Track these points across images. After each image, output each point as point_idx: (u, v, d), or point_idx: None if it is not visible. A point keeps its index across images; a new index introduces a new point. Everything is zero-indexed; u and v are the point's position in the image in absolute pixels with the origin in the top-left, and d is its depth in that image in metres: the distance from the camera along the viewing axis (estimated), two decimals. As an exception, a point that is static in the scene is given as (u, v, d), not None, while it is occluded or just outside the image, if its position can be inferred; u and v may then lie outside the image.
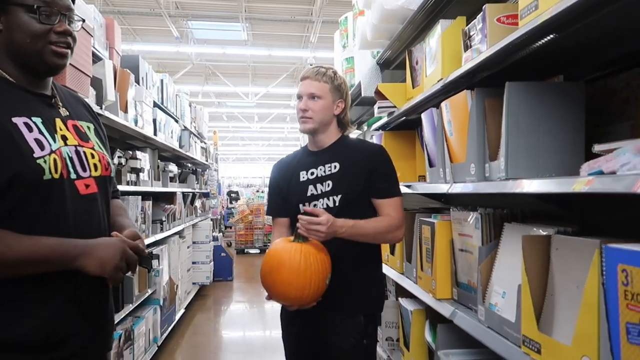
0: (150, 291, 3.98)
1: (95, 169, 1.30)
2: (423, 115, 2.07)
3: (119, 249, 1.20)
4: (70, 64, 2.19)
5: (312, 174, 1.93)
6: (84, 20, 1.35)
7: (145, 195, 3.83)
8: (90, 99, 2.59)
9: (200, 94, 14.59)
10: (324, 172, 1.91)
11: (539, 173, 1.35)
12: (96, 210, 1.29)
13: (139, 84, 3.89)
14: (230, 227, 11.73)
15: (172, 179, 5.11)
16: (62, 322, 1.19)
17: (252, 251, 11.53)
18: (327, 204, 1.87)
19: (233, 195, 14.43)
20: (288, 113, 18.01)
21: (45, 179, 1.15)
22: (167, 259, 4.63)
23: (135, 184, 3.60)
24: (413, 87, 2.27)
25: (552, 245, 1.22)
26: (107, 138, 1.49)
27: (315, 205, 1.89)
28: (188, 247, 6.14)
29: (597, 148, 1.13)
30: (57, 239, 1.16)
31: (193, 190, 6.40)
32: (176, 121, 5.38)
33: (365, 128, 4.00)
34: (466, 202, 2.25)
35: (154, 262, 4.08)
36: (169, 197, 4.97)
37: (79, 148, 1.27)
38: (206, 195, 8.00)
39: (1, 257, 1.10)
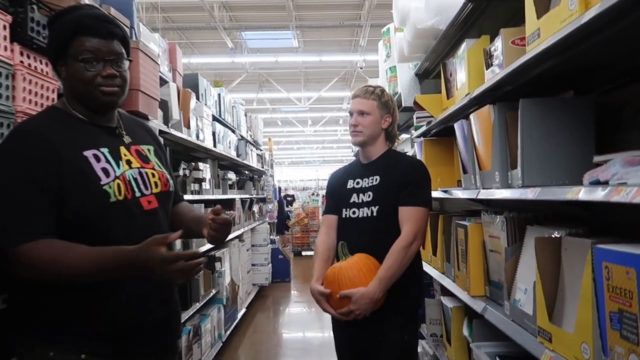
0: (214, 291, 4.32)
1: (156, 186, 1.54)
2: (455, 125, 2.23)
3: (157, 261, 1.28)
4: (141, 91, 2.55)
5: (357, 183, 2.16)
6: (131, 61, 1.53)
7: (207, 203, 4.15)
8: (159, 120, 2.92)
9: (255, 101, 15.11)
10: (367, 183, 2.12)
11: (553, 180, 1.49)
12: (157, 223, 1.52)
13: (199, 100, 4.23)
14: (288, 230, 12.09)
15: (231, 187, 5.45)
16: (137, 313, 1.43)
17: (308, 253, 11.84)
18: (366, 213, 2.07)
19: (289, 199, 14.83)
20: (340, 116, 18.25)
21: (112, 201, 1.40)
22: (229, 262, 4.97)
23: (199, 192, 3.93)
24: (448, 98, 2.42)
25: (563, 245, 1.37)
26: (172, 152, 1.72)
27: (354, 213, 2.09)
28: (247, 250, 6.50)
29: (596, 159, 1.28)
30: (115, 248, 1.34)
31: (250, 196, 6.74)
32: (233, 131, 5.71)
33: (413, 132, 4.14)
34: (504, 205, 2.36)
35: (217, 264, 4.42)
36: (229, 204, 5.30)
37: (141, 170, 1.51)
38: (263, 200, 8.36)
39: (58, 264, 1.29)
